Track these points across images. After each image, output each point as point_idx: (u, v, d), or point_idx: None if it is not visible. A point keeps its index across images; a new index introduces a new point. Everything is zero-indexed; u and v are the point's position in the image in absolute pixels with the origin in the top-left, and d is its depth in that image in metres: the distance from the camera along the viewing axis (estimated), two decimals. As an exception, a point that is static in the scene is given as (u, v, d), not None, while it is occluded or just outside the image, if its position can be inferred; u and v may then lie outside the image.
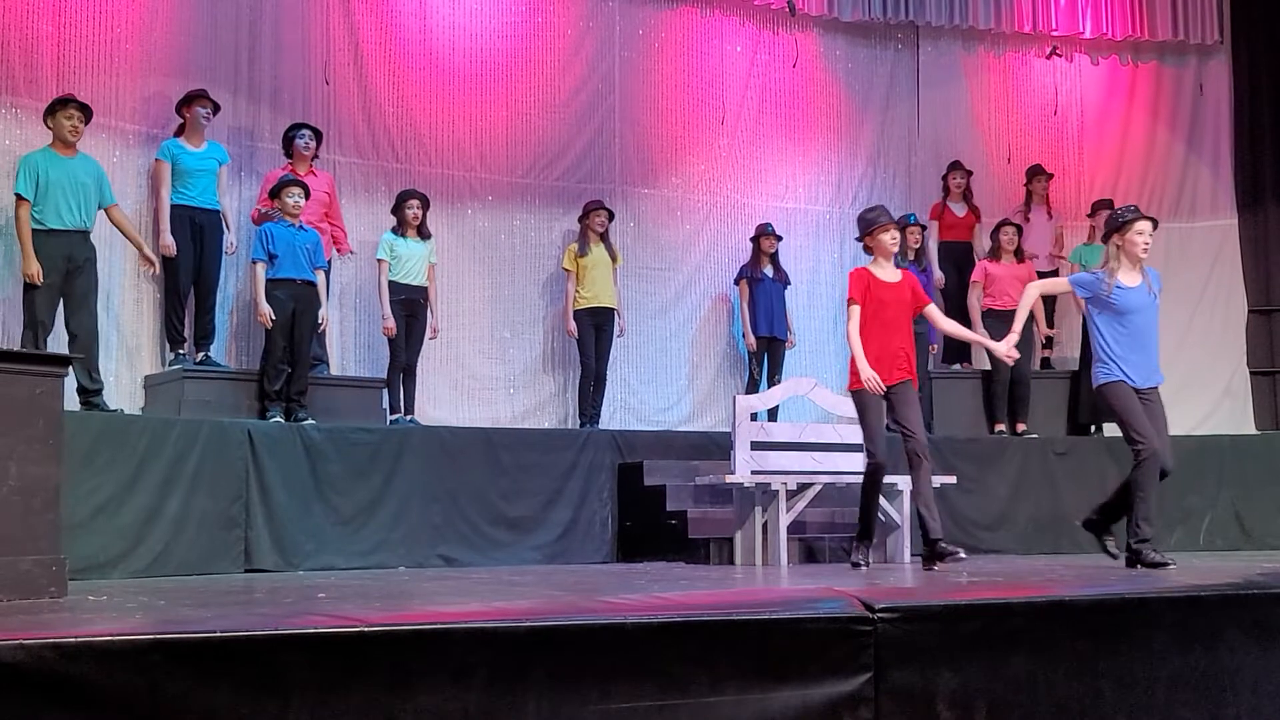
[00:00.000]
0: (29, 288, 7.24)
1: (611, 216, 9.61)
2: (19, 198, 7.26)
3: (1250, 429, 10.70)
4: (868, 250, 6.96)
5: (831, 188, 10.98)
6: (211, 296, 8.32)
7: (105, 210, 7.55)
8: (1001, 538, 9.20)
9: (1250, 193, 11.32)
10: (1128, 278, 6.38)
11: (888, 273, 6.89)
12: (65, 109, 7.35)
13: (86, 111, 7.46)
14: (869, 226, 6.89)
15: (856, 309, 6.78)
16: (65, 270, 7.28)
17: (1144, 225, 6.40)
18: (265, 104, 9.05)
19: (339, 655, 2.83)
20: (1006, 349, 6.65)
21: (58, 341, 7.36)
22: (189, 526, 7.12)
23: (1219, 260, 11.17)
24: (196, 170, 8.22)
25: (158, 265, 7.81)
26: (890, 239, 6.87)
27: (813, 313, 10.74)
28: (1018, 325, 6.67)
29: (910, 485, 7.05)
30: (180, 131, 8.29)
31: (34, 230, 7.24)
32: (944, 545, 6.68)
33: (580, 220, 9.63)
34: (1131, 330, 6.35)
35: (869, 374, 6.66)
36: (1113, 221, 6.50)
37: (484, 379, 9.69)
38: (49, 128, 7.43)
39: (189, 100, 8.24)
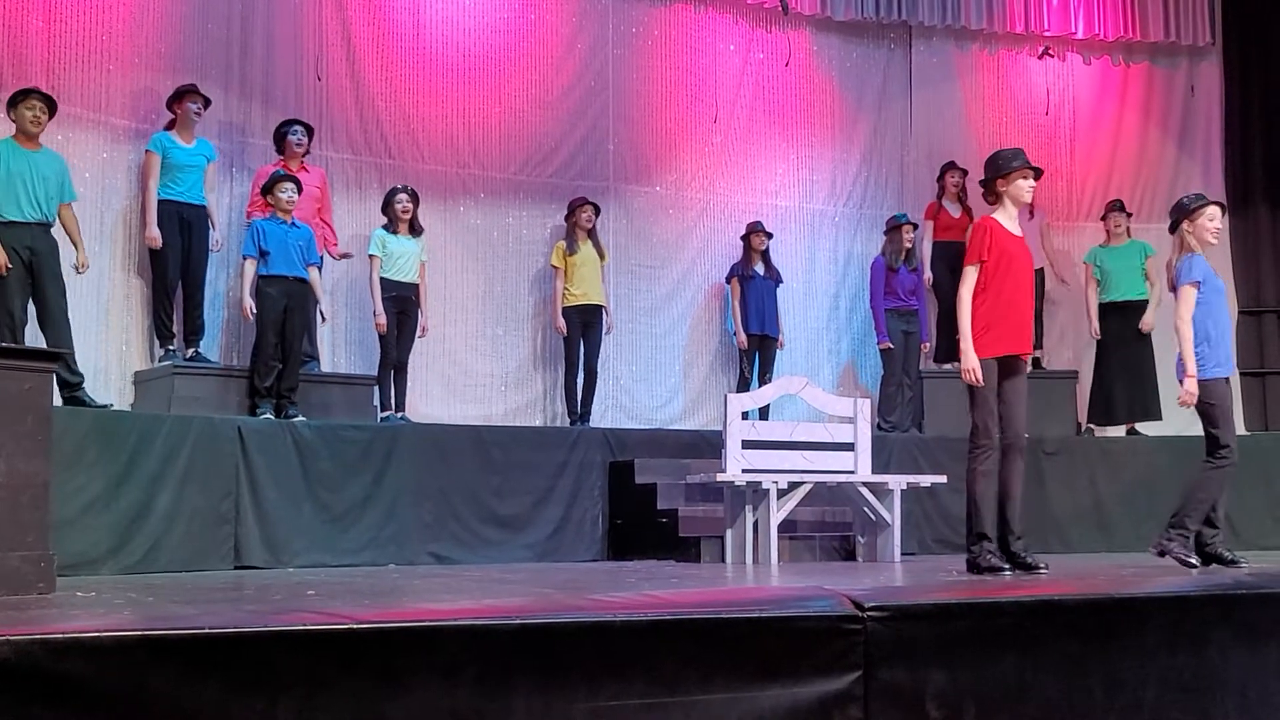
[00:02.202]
0: None
1: (598, 211, 9.61)
2: None
3: (1240, 430, 10.70)
4: (992, 199, 6.24)
5: (825, 186, 10.99)
6: (200, 292, 8.29)
7: (60, 205, 7.39)
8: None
9: (1240, 194, 11.35)
10: (1209, 262, 6.35)
11: (1014, 225, 6.17)
12: (26, 100, 7.25)
13: (50, 103, 7.34)
14: (1004, 167, 6.14)
15: (974, 270, 6.01)
16: (27, 262, 7.18)
17: (1214, 211, 6.32)
18: (257, 100, 9.03)
19: (328, 652, 2.83)
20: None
21: (35, 337, 7.32)
22: (179, 523, 7.11)
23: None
24: (186, 165, 8.19)
25: (86, 270, 7.58)
26: (1028, 186, 6.15)
27: (807, 311, 10.75)
28: (1191, 360, 6.24)
29: (997, 485, 6.11)
30: (171, 126, 8.26)
31: None
32: (1025, 556, 6.07)
33: (566, 219, 9.62)
34: (1224, 316, 6.31)
35: (972, 364, 5.92)
36: (1181, 209, 6.41)
37: (476, 376, 9.68)
38: (11, 119, 7.33)
39: (179, 95, 8.21)
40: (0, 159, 7.21)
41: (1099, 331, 10.19)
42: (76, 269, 7.49)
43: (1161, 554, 6.23)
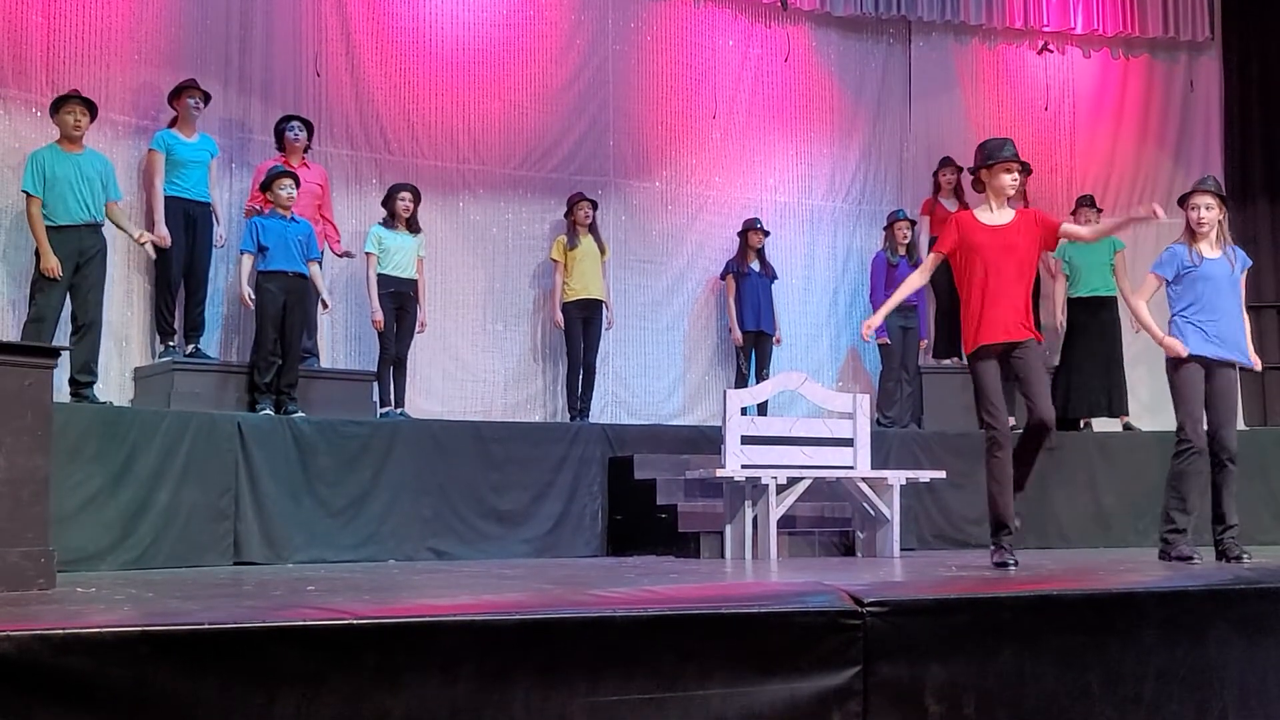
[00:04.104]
0: (38, 282, 7.24)
1: (595, 207, 9.61)
2: (28, 195, 7.29)
3: (1240, 425, 10.70)
4: (981, 189, 6.24)
5: (824, 182, 10.99)
6: (202, 289, 8.30)
7: (106, 205, 7.52)
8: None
9: (1240, 188, 11.34)
10: (1206, 250, 6.32)
11: (996, 215, 6.15)
12: (68, 105, 7.36)
13: (91, 107, 7.45)
14: (990, 158, 6.13)
15: (934, 258, 6.21)
16: (75, 265, 7.30)
17: (1198, 199, 6.32)
18: (256, 95, 9.03)
19: (328, 648, 2.84)
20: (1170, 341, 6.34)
21: (59, 334, 7.36)
22: (178, 519, 7.11)
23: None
24: (190, 161, 8.21)
25: (152, 245, 7.65)
26: (1011, 180, 6.12)
27: (806, 307, 10.75)
28: (1156, 332, 6.38)
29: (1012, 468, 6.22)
30: (173, 123, 8.27)
31: (46, 227, 7.25)
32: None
33: (565, 215, 9.62)
34: (1205, 301, 6.25)
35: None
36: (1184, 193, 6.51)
37: (476, 371, 9.69)
38: (55, 124, 7.44)
39: (179, 92, 8.22)
40: (46, 164, 7.29)
41: (1063, 326, 10.21)
42: (150, 246, 7.57)
43: (1162, 557, 6.25)
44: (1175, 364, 6.31)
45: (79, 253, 7.31)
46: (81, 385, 7.30)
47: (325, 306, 8.63)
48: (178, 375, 7.89)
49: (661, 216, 10.43)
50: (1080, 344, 10.11)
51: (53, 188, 7.28)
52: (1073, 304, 10.20)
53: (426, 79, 9.70)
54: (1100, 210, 10.54)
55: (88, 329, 7.33)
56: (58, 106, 7.40)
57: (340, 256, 8.92)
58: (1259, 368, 6.59)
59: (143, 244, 7.57)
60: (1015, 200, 6.38)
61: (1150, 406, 10.07)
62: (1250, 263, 6.58)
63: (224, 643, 2.75)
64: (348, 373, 8.81)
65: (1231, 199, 11.15)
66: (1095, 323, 10.01)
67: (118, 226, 7.59)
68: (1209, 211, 6.29)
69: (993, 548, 6.20)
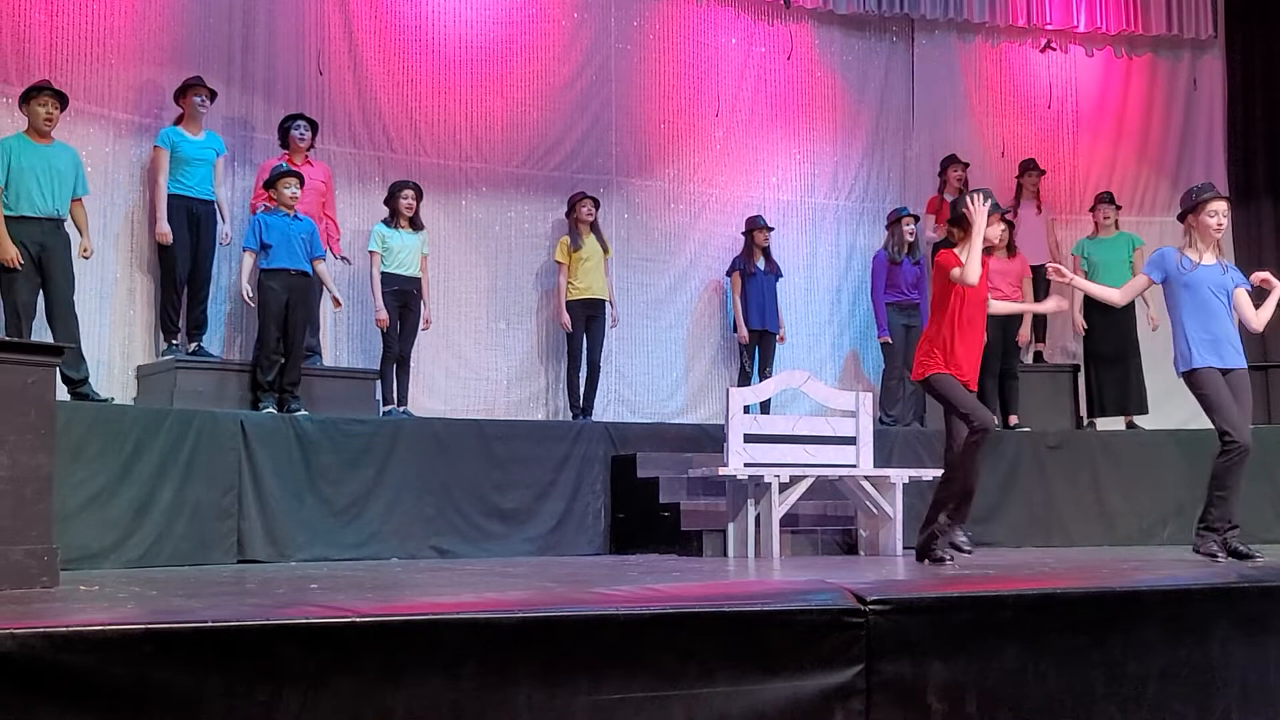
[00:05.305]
0: (5, 273, 7.18)
1: (597, 205, 9.61)
2: None
3: (1243, 423, 10.70)
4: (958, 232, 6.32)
5: (827, 180, 10.98)
6: (206, 287, 8.31)
7: (73, 199, 7.44)
8: (993, 530, 9.20)
9: (1242, 187, 11.33)
10: (1202, 258, 6.32)
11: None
12: (39, 96, 7.29)
13: (62, 99, 7.37)
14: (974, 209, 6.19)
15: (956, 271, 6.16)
16: (36, 257, 7.21)
17: (1217, 205, 6.30)
18: (259, 94, 9.03)
19: (331, 646, 2.84)
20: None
21: (42, 331, 7.34)
22: (181, 517, 7.11)
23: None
24: (195, 159, 8.21)
25: (90, 255, 7.54)
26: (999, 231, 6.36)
27: (809, 305, 10.75)
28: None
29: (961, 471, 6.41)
30: (179, 120, 8.27)
31: (5, 217, 7.16)
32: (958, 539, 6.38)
33: (567, 214, 9.63)
34: (1207, 309, 6.25)
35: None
36: (1188, 200, 6.46)
37: (479, 369, 9.69)
38: (24, 114, 7.38)
39: (184, 89, 8.22)
40: (13, 154, 7.23)
41: (1083, 325, 10.18)
42: (81, 254, 7.49)
43: (1196, 551, 6.25)
44: (1193, 371, 6.29)
45: (40, 245, 7.22)
46: (76, 384, 7.29)
47: (337, 305, 8.64)
48: (180, 373, 7.89)
49: (664, 215, 10.44)
50: (1098, 342, 10.09)
51: (17, 177, 7.20)
52: (1090, 301, 10.17)
53: (429, 77, 9.71)
54: (1119, 207, 10.50)
55: (63, 329, 7.24)
56: (28, 97, 7.32)
57: (338, 258, 8.91)
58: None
59: (86, 256, 7.48)
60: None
61: (1152, 405, 10.05)
62: (1248, 285, 6.55)
63: (227, 641, 2.75)
64: (351, 371, 8.82)
65: (1234, 198, 11.21)
66: (1113, 321, 9.98)
67: (75, 225, 7.46)
68: (1226, 219, 6.34)
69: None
